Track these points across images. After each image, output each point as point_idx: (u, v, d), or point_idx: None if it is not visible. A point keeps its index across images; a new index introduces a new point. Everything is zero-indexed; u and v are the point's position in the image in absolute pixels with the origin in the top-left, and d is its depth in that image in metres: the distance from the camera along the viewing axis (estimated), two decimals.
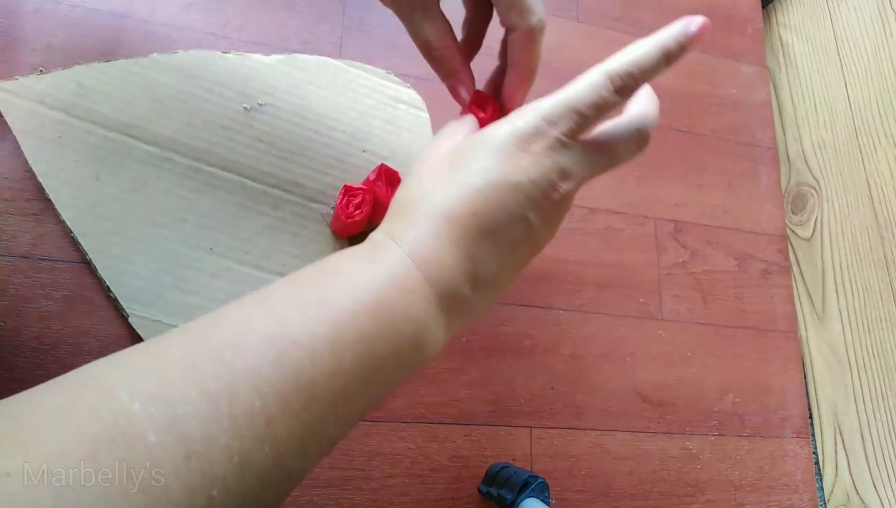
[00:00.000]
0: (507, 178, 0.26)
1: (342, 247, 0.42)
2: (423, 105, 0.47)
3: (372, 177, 0.41)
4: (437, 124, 0.47)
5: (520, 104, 0.32)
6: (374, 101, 0.46)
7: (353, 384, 0.23)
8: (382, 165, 0.41)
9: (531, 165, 0.26)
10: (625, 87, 0.26)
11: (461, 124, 0.31)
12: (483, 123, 0.31)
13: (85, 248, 0.37)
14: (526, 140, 0.26)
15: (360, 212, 0.40)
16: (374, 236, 0.27)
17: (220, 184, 0.40)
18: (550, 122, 0.26)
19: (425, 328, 0.25)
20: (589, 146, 0.28)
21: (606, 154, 0.28)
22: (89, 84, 0.39)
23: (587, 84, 0.26)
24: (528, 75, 0.32)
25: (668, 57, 0.27)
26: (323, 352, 0.22)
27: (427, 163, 0.28)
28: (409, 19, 0.31)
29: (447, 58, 0.32)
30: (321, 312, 0.23)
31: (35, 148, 0.37)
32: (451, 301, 0.26)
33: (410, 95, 0.47)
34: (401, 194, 0.28)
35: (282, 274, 0.40)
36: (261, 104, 0.42)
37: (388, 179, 0.42)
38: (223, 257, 0.39)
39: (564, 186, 0.27)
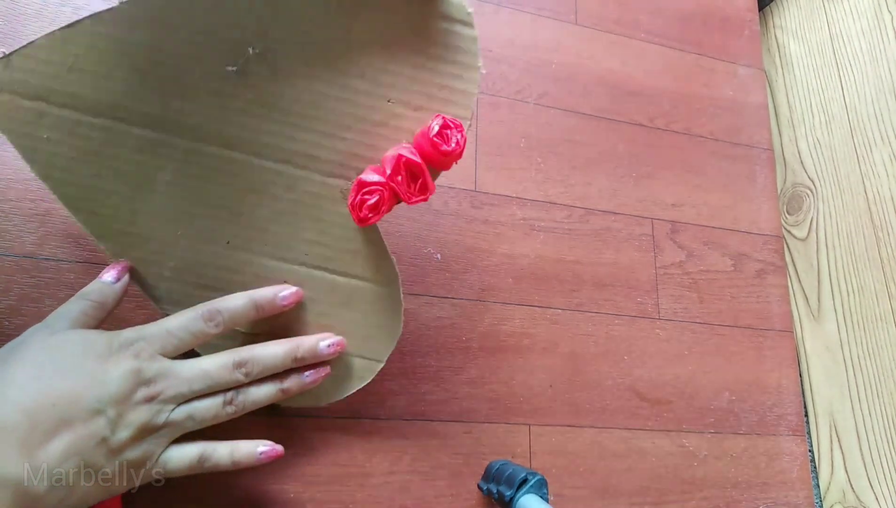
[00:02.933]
0: (93, 374, 0.29)
1: (364, 232, 0.37)
2: (472, 18, 0.34)
3: (388, 170, 0.33)
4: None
5: None
6: (401, 19, 0.33)
7: None
8: (400, 154, 0.33)
9: (118, 367, 0.30)
10: (212, 319, 0.32)
11: (66, 312, 0.32)
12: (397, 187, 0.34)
13: (108, 253, 0.34)
14: (121, 347, 0.31)
15: (375, 215, 0.34)
16: None
17: (224, 167, 0.35)
18: (148, 339, 0.31)
19: None
20: (178, 370, 0.32)
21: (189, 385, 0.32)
22: (57, 59, 0.32)
23: (183, 316, 0.32)
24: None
25: (258, 307, 0.34)
26: None
27: (24, 354, 0.29)
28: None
29: None
30: None
31: (29, 149, 0.33)
32: (23, 497, 0.27)
33: (457, 4, 0.33)
34: None
35: (307, 265, 0.36)
36: (255, 52, 0.33)
37: (409, 172, 0.33)
38: (242, 251, 0.36)
39: (145, 392, 0.30)
